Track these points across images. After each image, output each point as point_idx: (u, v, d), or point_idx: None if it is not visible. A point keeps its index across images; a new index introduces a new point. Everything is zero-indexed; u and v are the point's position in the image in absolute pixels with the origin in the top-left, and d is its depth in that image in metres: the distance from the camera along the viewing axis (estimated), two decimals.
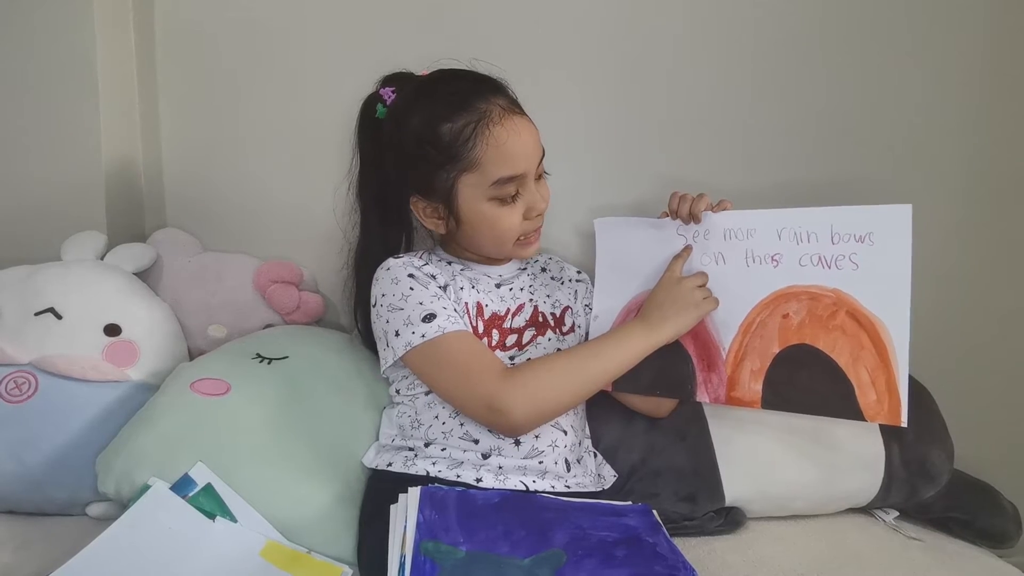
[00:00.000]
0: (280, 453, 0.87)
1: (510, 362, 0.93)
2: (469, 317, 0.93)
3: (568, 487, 0.89)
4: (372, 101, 1.00)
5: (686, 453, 1.02)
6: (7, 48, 1.10)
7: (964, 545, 1.05)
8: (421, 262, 0.95)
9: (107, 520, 0.80)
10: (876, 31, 1.19)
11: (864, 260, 0.87)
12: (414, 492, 0.76)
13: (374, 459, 0.91)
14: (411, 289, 0.90)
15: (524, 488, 0.85)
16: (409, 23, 1.16)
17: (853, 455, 1.02)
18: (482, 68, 0.96)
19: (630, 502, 0.83)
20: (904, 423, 0.85)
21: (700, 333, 0.94)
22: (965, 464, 1.11)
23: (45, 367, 0.93)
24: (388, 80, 1.00)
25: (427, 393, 0.92)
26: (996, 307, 1.29)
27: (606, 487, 0.97)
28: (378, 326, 0.91)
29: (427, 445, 0.89)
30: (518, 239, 0.94)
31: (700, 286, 0.92)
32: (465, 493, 0.79)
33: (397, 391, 0.96)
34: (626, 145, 1.21)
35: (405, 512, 0.74)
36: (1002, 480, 1.13)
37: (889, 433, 1.03)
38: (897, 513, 1.09)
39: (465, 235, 0.95)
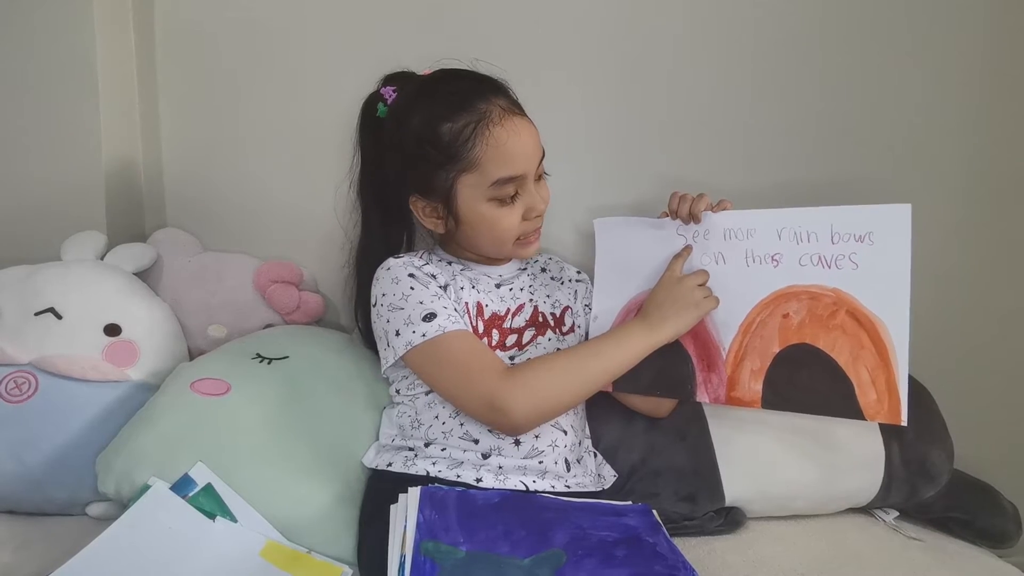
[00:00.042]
0: (280, 453, 0.87)
1: (510, 362, 0.93)
2: (469, 317, 0.93)
3: (568, 487, 0.89)
4: (373, 100, 1.00)
5: (686, 453, 1.02)
6: (7, 48, 1.10)
7: (964, 545, 1.05)
8: (421, 262, 0.95)
9: (107, 520, 0.80)
10: (876, 31, 1.19)
11: (864, 260, 0.87)
12: (414, 492, 0.76)
13: (374, 459, 0.91)
14: (411, 289, 0.90)
15: (524, 488, 0.85)
16: (409, 23, 1.16)
17: (853, 455, 1.02)
18: (483, 68, 0.96)
19: (630, 502, 0.83)
20: (904, 422, 0.85)
21: (700, 333, 0.94)
22: (965, 464, 1.11)
23: (45, 367, 0.93)
24: (389, 79, 1.01)
25: (427, 393, 0.92)
26: (996, 307, 1.29)
27: (606, 487, 0.97)
28: (378, 326, 0.91)
29: (427, 445, 0.89)
30: (517, 239, 0.94)
31: (700, 285, 0.92)
32: (465, 493, 0.79)
33: (397, 391, 0.96)
34: (626, 145, 1.21)
35: (405, 512, 0.74)
36: (1002, 480, 1.13)
37: (889, 433, 1.03)
38: (897, 513, 1.09)
39: (464, 235, 0.95)
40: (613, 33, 1.18)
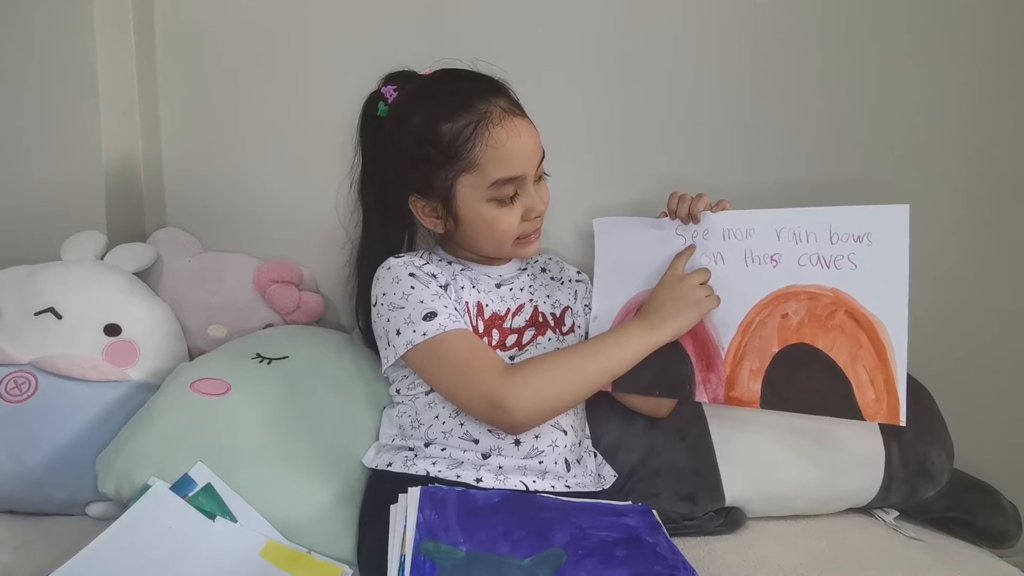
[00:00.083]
0: (280, 453, 0.87)
1: (510, 362, 0.93)
2: (469, 316, 0.93)
3: (568, 487, 0.89)
4: (374, 99, 1.00)
5: (686, 453, 1.02)
6: (7, 48, 1.10)
7: (964, 545, 1.05)
8: (422, 261, 0.95)
9: (107, 520, 0.80)
10: (876, 31, 1.19)
11: (862, 260, 0.87)
12: (414, 492, 0.76)
13: (374, 459, 0.91)
14: (412, 288, 0.90)
15: (524, 488, 0.85)
16: (409, 23, 1.16)
17: (853, 455, 1.02)
18: (483, 68, 0.96)
19: (630, 502, 0.83)
20: (903, 422, 0.85)
21: (699, 333, 0.94)
22: (965, 464, 1.11)
23: (45, 367, 0.93)
24: (390, 78, 1.01)
25: (427, 393, 0.92)
26: (996, 307, 1.29)
27: (606, 487, 0.97)
28: (379, 325, 0.91)
29: (427, 445, 0.89)
30: (517, 239, 0.94)
31: (702, 284, 0.92)
32: (465, 493, 0.79)
33: (397, 391, 0.96)
34: (627, 145, 1.21)
35: (405, 512, 0.74)
36: (1002, 480, 1.13)
37: (889, 433, 1.03)
38: (897, 513, 1.09)
39: (464, 235, 0.95)
40: (613, 33, 1.18)
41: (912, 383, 0.94)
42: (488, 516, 0.76)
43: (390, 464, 0.89)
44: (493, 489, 0.83)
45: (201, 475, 0.82)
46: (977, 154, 1.24)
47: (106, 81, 1.12)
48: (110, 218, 1.15)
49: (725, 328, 0.93)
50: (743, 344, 0.92)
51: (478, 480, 0.85)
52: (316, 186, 1.17)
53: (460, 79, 0.93)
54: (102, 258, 1.08)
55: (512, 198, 0.91)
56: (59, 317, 0.98)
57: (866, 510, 1.09)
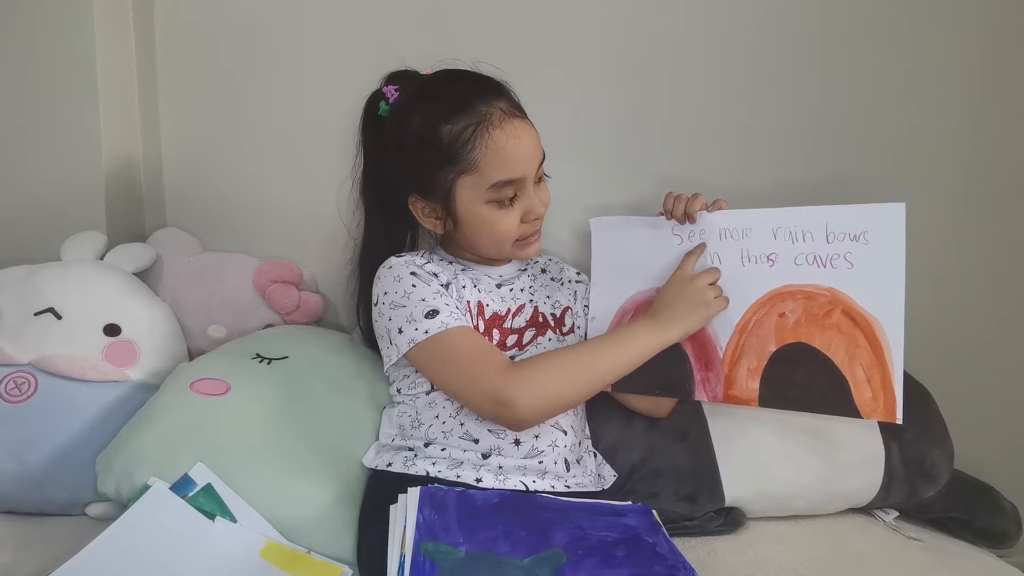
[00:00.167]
0: (280, 453, 0.87)
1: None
2: (470, 316, 0.93)
3: (568, 487, 0.89)
4: (375, 99, 1.00)
5: (686, 453, 1.02)
6: (7, 48, 1.10)
7: (964, 545, 1.06)
8: (423, 260, 0.95)
9: (107, 520, 0.80)
10: (876, 31, 1.19)
11: (859, 259, 0.87)
12: (414, 492, 0.76)
13: (374, 459, 0.91)
14: (413, 287, 0.90)
15: (524, 488, 0.85)
16: (409, 23, 1.16)
17: (853, 455, 1.02)
18: (484, 69, 0.96)
19: (630, 502, 0.83)
20: (899, 420, 0.85)
21: (697, 333, 0.93)
22: (965, 464, 1.11)
23: (45, 367, 0.93)
24: (392, 78, 1.01)
25: (428, 393, 0.92)
26: (996, 307, 1.29)
27: (606, 487, 0.97)
28: (380, 324, 0.91)
29: (427, 445, 0.89)
30: (517, 240, 0.94)
31: (711, 284, 0.91)
32: (465, 493, 0.79)
33: (398, 390, 0.96)
34: (626, 145, 1.21)
35: (405, 512, 0.74)
36: (1002, 480, 1.13)
37: (889, 433, 1.03)
38: (897, 513, 1.09)
39: (463, 236, 0.95)
40: (613, 33, 1.18)
41: (912, 383, 0.95)
42: (488, 516, 0.76)
43: (390, 464, 0.89)
44: (493, 489, 0.83)
45: (201, 475, 0.82)
46: (977, 154, 1.24)
47: (106, 81, 1.12)
48: (110, 218, 1.15)
49: (723, 327, 0.93)
50: (741, 343, 0.92)
51: (478, 480, 0.85)
52: (316, 186, 1.17)
53: (461, 80, 0.93)
54: (102, 258, 1.08)
55: (512, 200, 0.91)
56: (59, 317, 0.98)
57: (866, 510, 1.09)
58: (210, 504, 0.81)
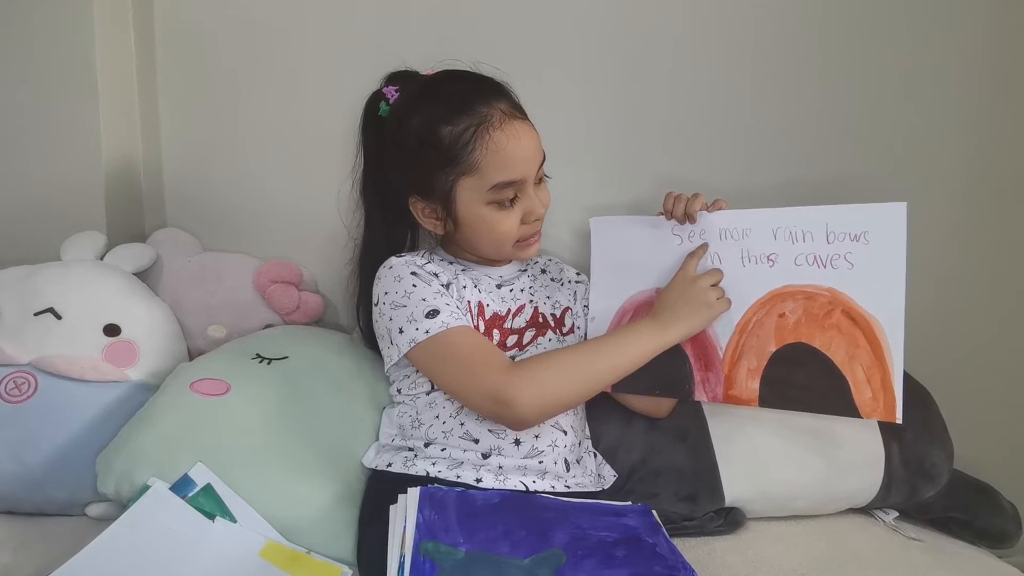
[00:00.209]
0: (280, 453, 0.87)
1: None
2: (471, 316, 0.93)
3: (568, 487, 0.89)
4: (376, 99, 1.00)
5: (686, 453, 1.02)
6: (7, 48, 1.10)
7: (964, 545, 1.06)
8: (423, 260, 0.95)
9: (107, 520, 0.80)
10: (876, 31, 1.19)
11: (859, 259, 0.87)
12: (413, 492, 0.76)
13: (374, 459, 0.91)
14: (414, 286, 0.90)
15: (524, 488, 0.85)
16: (409, 23, 1.16)
17: (853, 455, 1.02)
18: (485, 69, 0.96)
19: (630, 502, 0.83)
20: (899, 420, 0.85)
21: (698, 333, 0.93)
22: (965, 464, 1.11)
23: (45, 367, 0.93)
24: (392, 78, 1.01)
25: (428, 393, 0.92)
26: (996, 307, 1.29)
27: (606, 487, 0.97)
28: (381, 324, 0.91)
29: (427, 445, 0.89)
30: (517, 241, 0.94)
31: (714, 285, 0.91)
32: (465, 493, 0.79)
33: (398, 390, 0.96)
34: (626, 145, 1.21)
35: (404, 512, 0.74)
36: (1002, 480, 1.13)
37: (889, 433, 1.03)
38: (897, 513, 1.09)
39: (463, 237, 0.95)
40: (613, 33, 1.18)
41: (912, 383, 0.94)
42: (488, 516, 0.76)
43: (390, 464, 0.89)
44: (493, 489, 0.83)
45: (201, 475, 0.82)
46: (977, 154, 1.24)
47: (106, 81, 1.12)
48: (110, 218, 1.15)
49: (723, 328, 0.93)
50: (741, 343, 0.92)
51: (478, 480, 0.85)
52: (316, 186, 1.17)
53: (461, 80, 0.93)
54: (102, 258, 1.08)
55: (512, 201, 0.91)
56: (59, 317, 0.98)
57: (866, 510, 1.09)
58: (210, 504, 0.81)
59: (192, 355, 1.10)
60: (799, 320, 0.90)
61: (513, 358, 0.93)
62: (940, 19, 1.19)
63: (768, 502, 1.03)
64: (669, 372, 0.94)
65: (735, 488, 1.01)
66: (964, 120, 1.22)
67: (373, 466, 0.91)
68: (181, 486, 0.81)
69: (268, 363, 0.97)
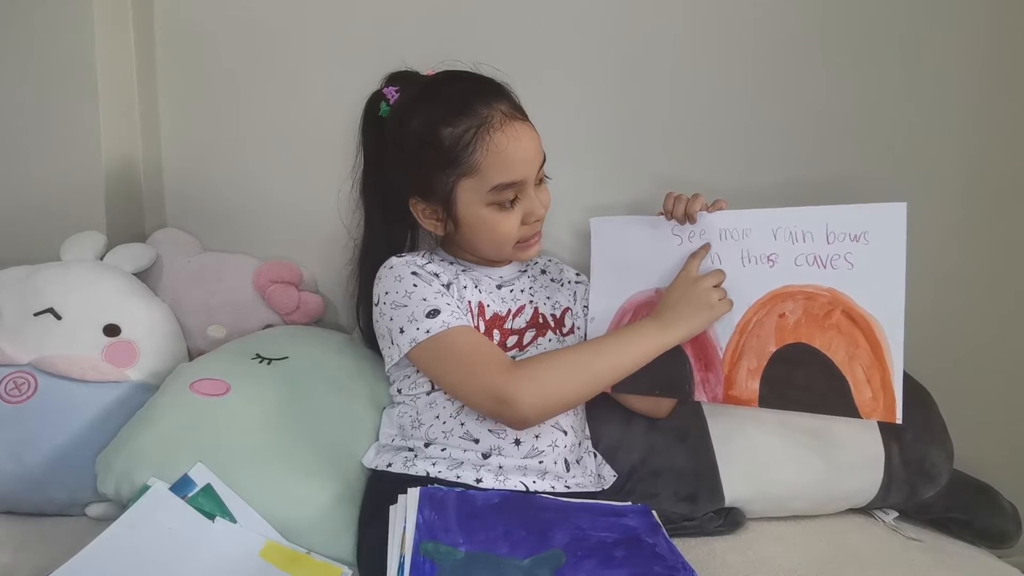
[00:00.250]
0: (280, 453, 0.87)
1: None
2: (471, 316, 0.93)
3: (568, 487, 0.89)
4: (376, 99, 1.00)
5: (686, 453, 1.02)
6: (7, 48, 1.10)
7: (964, 545, 1.06)
8: (424, 260, 0.95)
9: (107, 520, 0.80)
10: (876, 31, 1.19)
11: (859, 259, 0.87)
12: (413, 493, 0.76)
13: (374, 459, 0.91)
14: (414, 286, 0.90)
15: (524, 488, 0.85)
16: (409, 23, 1.16)
17: (853, 455, 1.02)
18: (485, 70, 0.96)
19: (630, 502, 0.83)
20: (899, 420, 0.85)
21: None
22: (965, 464, 1.11)
23: (45, 367, 0.93)
24: (393, 79, 1.01)
25: (428, 393, 0.92)
26: (996, 307, 1.29)
27: (606, 487, 0.97)
28: (381, 324, 0.91)
29: (427, 445, 0.89)
30: (517, 242, 0.94)
31: (716, 286, 0.91)
32: (465, 494, 0.79)
33: (399, 391, 0.96)
34: (626, 145, 1.21)
35: (404, 513, 0.74)
36: (1002, 480, 1.13)
37: (889, 433, 1.03)
38: (897, 513, 1.09)
39: (464, 238, 0.95)
40: (613, 33, 1.18)
41: (912, 383, 0.94)
42: (488, 517, 0.76)
43: (390, 464, 0.89)
44: (493, 490, 0.83)
45: (201, 475, 0.82)
46: (977, 154, 1.24)
47: (106, 81, 1.12)
48: (110, 218, 1.15)
49: (723, 328, 0.93)
50: (741, 344, 0.92)
51: (478, 480, 0.85)
52: (316, 186, 1.17)
53: (461, 81, 0.93)
54: (102, 258, 1.08)
55: (512, 202, 0.91)
56: (59, 317, 0.98)
57: (866, 510, 1.09)
58: (210, 504, 0.81)
59: (192, 355, 1.10)
60: (799, 320, 0.90)
61: (513, 359, 0.93)
62: (940, 19, 1.19)
63: (768, 502, 1.03)
64: (669, 372, 0.94)
65: (735, 488, 1.01)
66: (964, 120, 1.22)
67: (373, 466, 0.91)
68: (181, 486, 0.81)
69: (268, 363, 0.97)
